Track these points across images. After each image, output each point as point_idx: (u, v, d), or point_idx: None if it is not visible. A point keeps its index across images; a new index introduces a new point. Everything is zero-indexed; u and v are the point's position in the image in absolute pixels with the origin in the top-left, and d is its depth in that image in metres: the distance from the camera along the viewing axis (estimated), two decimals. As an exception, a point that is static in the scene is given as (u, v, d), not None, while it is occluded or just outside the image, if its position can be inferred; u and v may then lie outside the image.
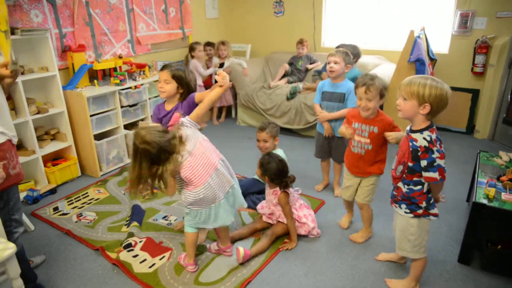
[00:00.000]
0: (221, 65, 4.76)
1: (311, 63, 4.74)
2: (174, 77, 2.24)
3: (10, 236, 1.87)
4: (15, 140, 1.93)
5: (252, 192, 2.96)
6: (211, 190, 1.99)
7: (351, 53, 2.92)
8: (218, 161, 2.05)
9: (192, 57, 4.58)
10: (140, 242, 2.48)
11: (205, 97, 2.10)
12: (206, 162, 1.98)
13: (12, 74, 1.62)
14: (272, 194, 2.50)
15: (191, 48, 4.57)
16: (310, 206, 2.75)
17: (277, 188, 2.47)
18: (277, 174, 2.41)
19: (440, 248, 2.40)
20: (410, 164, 1.77)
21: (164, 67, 2.29)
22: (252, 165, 3.39)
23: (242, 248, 2.25)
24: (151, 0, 4.24)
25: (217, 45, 4.78)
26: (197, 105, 2.28)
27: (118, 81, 3.53)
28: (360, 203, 2.41)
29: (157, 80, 3.85)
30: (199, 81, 4.54)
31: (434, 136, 1.70)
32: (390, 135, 2.16)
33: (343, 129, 2.37)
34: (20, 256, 1.97)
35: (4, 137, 1.83)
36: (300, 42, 4.65)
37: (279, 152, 2.80)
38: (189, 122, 2.02)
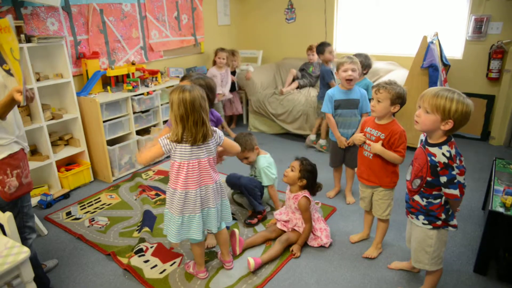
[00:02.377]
0: (233, 73, 4.78)
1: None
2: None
3: (23, 243, 1.89)
4: (27, 150, 1.97)
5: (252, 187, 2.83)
6: (193, 198, 1.98)
7: (363, 63, 2.98)
8: (213, 182, 2.01)
9: (214, 63, 4.55)
10: (151, 247, 2.48)
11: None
12: (196, 177, 1.96)
13: (28, 102, 1.70)
14: (292, 198, 2.48)
15: (215, 53, 4.52)
16: (322, 214, 2.73)
17: (298, 193, 2.45)
18: (314, 179, 2.48)
19: (455, 258, 2.35)
20: (429, 179, 1.71)
21: (184, 77, 2.28)
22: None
23: (252, 259, 2.23)
24: (164, 7, 4.30)
25: (227, 55, 4.65)
26: (216, 125, 2.40)
27: (131, 88, 3.57)
28: (379, 218, 2.35)
29: (170, 86, 3.94)
30: (218, 89, 4.47)
31: (453, 152, 1.64)
32: (373, 146, 2.16)
33: (356, 136, 2.34)
34: (34, 261, 1.99)
35: (18, 146, 1.87)
36: (310, 49, 4.61)
37: (266, 157, 2.88)
38: (217, 138, 2.01)
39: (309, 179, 2.44)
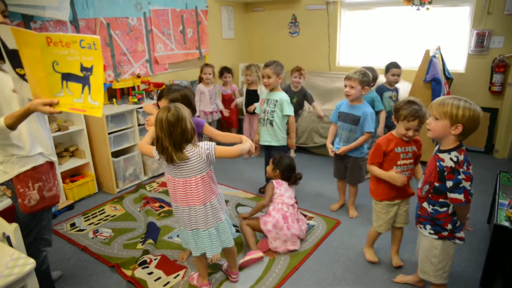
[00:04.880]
0: (252, 92, 4.30)
1: (304, 99, 4.07)
2: (172, 101, 2.10)
3: (37, 255, 1.88)
4: (54, 160, 1.94)
5: None
6: (182, 214, 1.99)
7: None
8: (200, 204, 1.95)
9: (200, 79, 4.27)
10: (155, 259, 2.48)
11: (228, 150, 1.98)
12: (183, 195, 1.94)
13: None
14: None
15: (201, 70, 4.26)
16: (326, 227, 2.73)
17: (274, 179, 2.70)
18: (287, 169, 2.69)
19: (461, 272, 2.33)
20: (436, 184, 1.75)
21: (160, 96, 2.21)
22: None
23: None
24: (169, 21, 4.37)
25: (243, 71, 4.26)
26: (200, 133, 2.27)
27: (136, 100, 3.61)
28: (400, 227, 2.33)
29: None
30: (207, 108, 4.21)
31: (461, 157, 1.68)
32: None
33: (395, 177, 2.12)
34: (46, 274, 1.99)
35: (43, 159, 1.86)
36: (298, 70, 3.95)
37: (282, 94, 3.02)
38: (206, 151, 1.89)
39: (279, 169, 2.68)
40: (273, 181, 2.67)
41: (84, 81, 1.63)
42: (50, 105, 1.61)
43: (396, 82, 3.61)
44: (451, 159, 1.68)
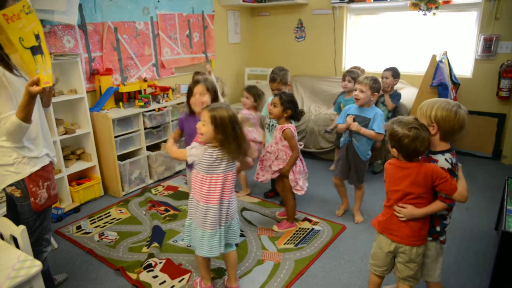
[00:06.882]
0: None
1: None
2: (209, 89, 2.35)
3: (39, 256, 1.89)
4: (55, 161, 2.00)
5: None
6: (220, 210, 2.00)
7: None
8: (228, 198, 2.02)
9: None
10: (160, 263, 2.48)
11: None
12: (219, 190, 1.99)
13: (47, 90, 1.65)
14: (279, 129, 2.73)
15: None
16: (332, 233, 2.72)
17: (285, 125, 2.69)
18: (295, 105, 2.71)
19: (467, 279, 2.30)
20: None
21: (197, 81, 2.39)
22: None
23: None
24: (176, 25, 4.40)
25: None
26: None
27: (142, 104, 3.63)
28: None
29: (181, 103, 3.96)
30: None
31: (454, 160, 1.71)
32: None
33: None
34: (47, 275, 1.99)
35: (48, 159, 1.91)
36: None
37: None
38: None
39: (291, 108, 2.67)
40: (291, 128, 2.67)
41: (40, 50, 1.60)
42: (37, 84, 1.59)
43: (385, 85, 3.64)
44: (446, 160, 1.69)
